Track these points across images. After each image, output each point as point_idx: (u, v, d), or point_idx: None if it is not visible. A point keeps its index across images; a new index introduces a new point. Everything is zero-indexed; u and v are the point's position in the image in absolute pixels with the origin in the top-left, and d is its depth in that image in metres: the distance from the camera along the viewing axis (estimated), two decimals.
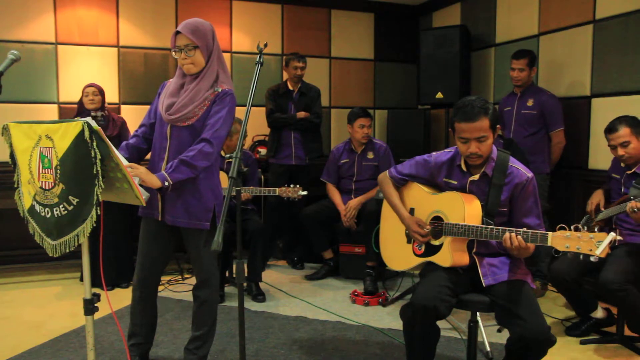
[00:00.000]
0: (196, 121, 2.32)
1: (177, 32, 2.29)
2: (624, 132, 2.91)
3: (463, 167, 2.30)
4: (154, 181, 2.19)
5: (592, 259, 1.83)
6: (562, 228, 1.92)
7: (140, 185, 2.11)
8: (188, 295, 3.78)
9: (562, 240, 1.90)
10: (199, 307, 2.52)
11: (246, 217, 3.75)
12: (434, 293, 2.13)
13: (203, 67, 2.33)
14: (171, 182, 2.21)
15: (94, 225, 1.88)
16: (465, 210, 2.19)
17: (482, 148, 2.17)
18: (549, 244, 1.94)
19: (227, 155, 3.79)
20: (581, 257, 1.87)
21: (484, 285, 2.22)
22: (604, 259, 2.75)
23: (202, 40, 2.29)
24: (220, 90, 2.34)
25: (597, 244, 1.82)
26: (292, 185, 3.58)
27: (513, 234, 2.04)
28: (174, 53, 2.33)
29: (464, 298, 2.24)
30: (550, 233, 1.95)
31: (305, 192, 3.54)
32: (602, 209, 3.08)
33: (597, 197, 3.16)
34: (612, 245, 1.84)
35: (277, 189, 3.60)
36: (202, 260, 2.45)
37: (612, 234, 1.80)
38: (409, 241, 2.45)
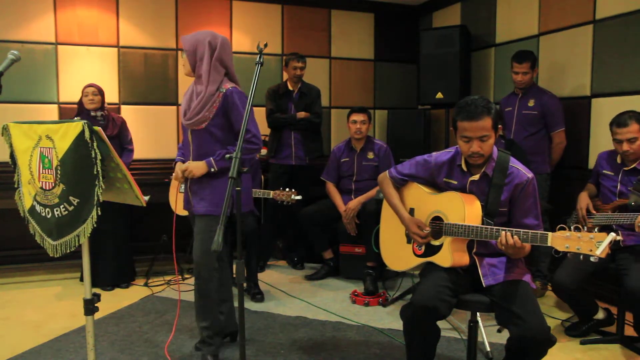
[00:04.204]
0: (209, 123, 2.59)
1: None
2: (633, 127, 2.88)
3: (463, 167, 2.30)
4: (202, 169, 2.56)
5: (592, 259, 1.84)
6: (562, 228, 1.92)
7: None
8: (188, 296, 3.79)
9: (562, 240, 1.90)
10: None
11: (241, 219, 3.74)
12: (434, 293, 2.13)
13: (190, 70, 2.62)
14: (216, 169, 2.55)
15: (95, 225, 1.89)
16: (465, 210, 2.19)
17: (484, 147, 2.17)
18: (549, 244, 1.94)
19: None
20: (581, 257, 1.87)
21: (484, 286, 2.22)
22: (626, 267, 2.76)
23: (189, 46, 2.58)
24: (224, 90, 2.58)
25: (597, 244, 1.82)
26: (287, 189, 3.53)
27: (509, 233, 2.04)
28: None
29: (463, 298, 2.24)
30: (550, 233, 1.95)
31: (299, 197, 3.48)
32: (593, 212, 3.06)
33: (585, 201, 3.12)
34: (615, 247, 1.85)
35: (271, 191, 3.56)
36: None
37: (612, 234, 1.81)
38: (409, 241, 2.45)
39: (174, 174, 2.72)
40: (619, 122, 2.95)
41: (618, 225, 2.94)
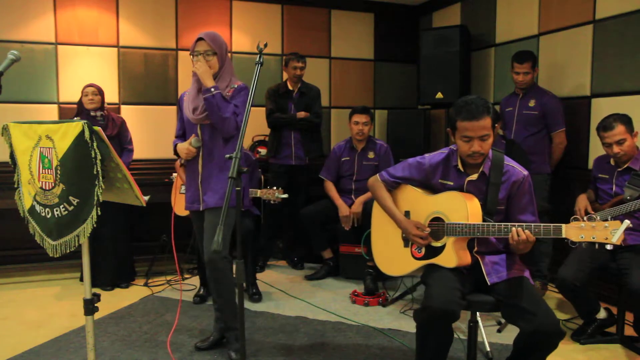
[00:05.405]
0: None
1: (200, 39, 2.62)
2: (619, 129, 2.92)
3: (460, 167, 2.30)
4: (208, 81, 2.57)
5: (607, 247, 1.86)
6: (575, 219, 1.93)
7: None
8: (188, 296, 3.79)
9: (576, 230, 1.91)
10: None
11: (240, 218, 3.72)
12: (449, 296, 2.10)
13: (217, 72, 2.66)
14: (213, 93, 2.53)
15: (94, 225, 1.89)
16: (468, 209, 2.19)
17: (484, 147, 2.17)
18: (563, 235, 1.95)
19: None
20: (596, 246, 1.89)
21: (488, 284, 2.21)
22: (627, 266, 2.75)
23: (219, 49, 2.65)
24: (236, 86, 2.70)
25: (612, 232, 1.83)
26: (274, 187, 3.48)
27: (520, 229, 2.04)
28: (192, 57, 2.65)
29: (469, 299, 2.23)
30: (563, 225, 1.96)
31: (285, 195, 3.43)
32: (592, 212, 3.06)
33: (583, 202, 3.15)
34: (616, 246, 1.87)
35: (258, 190, 3.52)
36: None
37: (627, 222, 1.83)
38: (406, 245, 2.42)
39: (186, 151, 2.67)
40: (604, 126, 2.98)
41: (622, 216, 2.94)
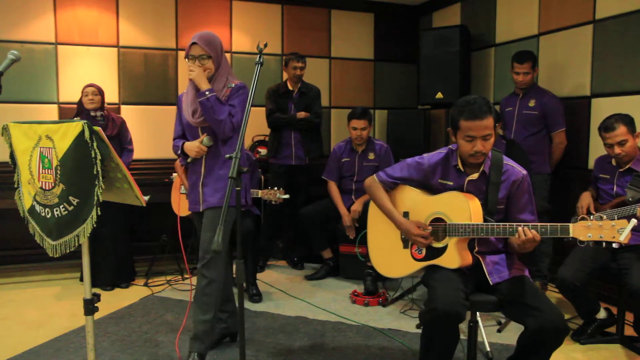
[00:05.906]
0: None
1: (194, 43, 2.58)
2: (620, 130, 2.91)
3: (460, 167, 2.29)
4: (203, 84, 2.55)
5: (614, 245, 1.88)
6: (583, 219, 1.94)
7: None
8: (188, 296, 3.79)
9: (584, 230, 1.92)
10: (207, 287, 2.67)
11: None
12: (454, 297, 2.09)
13: (213, 73, 2.63)
14: (207, 96, 2.52)
15: (94, 225, 1.89)
16: (471, 209, 2.18)
17: (486, 146, 2.17)
18: (570, 235, 1.96)
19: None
20: (604, 244, 1.90)
21: (490, 284, 2.21)
22: (627, 266, 2.76)
23: (214, 51, 2.61)
24: (233, 85, 2.66)
25: (619, 231, 1.85)
26: (275, 188, 3.46)
27: (526, 228, 2.05)
28: (187, 60, 2.62)
29: (472, 299, 2.22)
30: (571, 224, 1.97)
31: (286, 196, 3.42)
32: (593, 212, 3.06)
33: (586, 200, 3.14)
34: (621, 246, 1.89)
35: (259, 191, 3.51)
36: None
37: (634, 220, 1.85)
38: (405, 246, 2.40)
39: (197, 149, 2.62)
40: (606, 126, 2.97)
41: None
